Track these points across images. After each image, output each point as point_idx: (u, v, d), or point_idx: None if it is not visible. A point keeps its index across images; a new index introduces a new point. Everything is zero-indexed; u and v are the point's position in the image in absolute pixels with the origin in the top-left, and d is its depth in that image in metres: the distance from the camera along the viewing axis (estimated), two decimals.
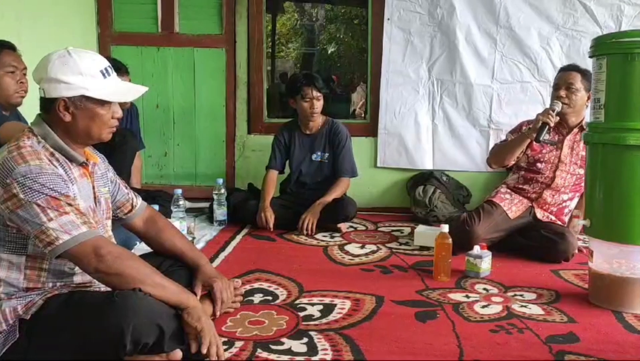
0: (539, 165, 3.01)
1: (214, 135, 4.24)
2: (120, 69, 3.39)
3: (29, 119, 2.75)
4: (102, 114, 1.65)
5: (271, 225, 3.30)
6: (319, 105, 3.43)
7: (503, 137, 3.86)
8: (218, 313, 1.87)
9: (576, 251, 2.85)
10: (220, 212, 3.45)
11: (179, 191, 3.20)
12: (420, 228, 3.21)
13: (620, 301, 2.20)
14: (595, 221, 2.24)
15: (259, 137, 4.19)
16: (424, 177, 3.89)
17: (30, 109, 2.79)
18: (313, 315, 2.10)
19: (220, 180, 3.50)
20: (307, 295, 2.32)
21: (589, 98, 2.84)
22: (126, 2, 4.10)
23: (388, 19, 3.95)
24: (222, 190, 3.47)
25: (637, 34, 2.14)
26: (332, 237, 3.27)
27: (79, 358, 1.56)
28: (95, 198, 1.74)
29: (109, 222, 1.84)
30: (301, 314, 2.11)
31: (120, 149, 3.25)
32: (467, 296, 2.33)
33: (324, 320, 2.05)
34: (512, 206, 2.99)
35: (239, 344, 1.84)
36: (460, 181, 3.94)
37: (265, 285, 2.42)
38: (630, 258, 2.22)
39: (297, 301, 2.24)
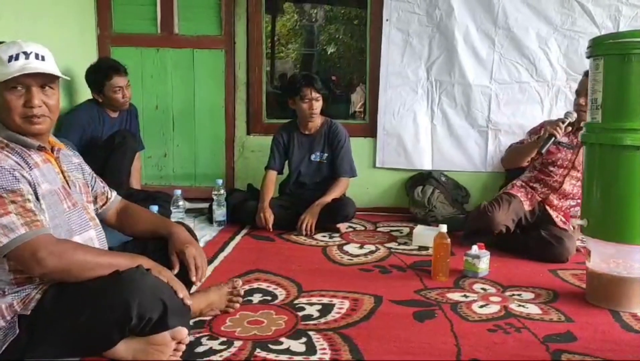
0: (551, 168, 3.03)
1: (213, 136, 4.24)
2: (118, 69, 3.41)
3: None
4: (8, 99, 1.63)
5: (270, 226, 3.31)
6: (317, 105, 3.44)
7: (502, 138, 3.90)
8: (195, 280, 1.87)
9: (574, 253, 2.86)
10: (220, 213, 3.46)
11: (178, 192, 3.22)
12: (419, 229, 3.22)
13: (617, 300, 2.21)
14: (592, 221, 2.25)
15: (258, 137, 4.20)
16: (422, 178, 3.90)
17: None
18: (312, 315, 2.11)
19: (220, 181, 3.51)
20: (306, 295, 2.33)
21: None
22: (125, 3, 4.11)
23: (387, 20, 3.96)
24: (222, 191, 3.48)
25: (633, 34, 2.15)
26: (331, 237, 3.28)
27: (83, 342, 1.59)
28: (66, 181, 1.77)
29: (91, 206, 1.87)
30: (300, 314, 2.12)
31: (119, 150, 3.26)
32: (465, 296, 2.34)
33: (322, 320, 2.07)
34: (527, 200, 3.04)
35: (237, 343, 1.85)
36: (459, 181, 3.95)
37: (264, 285, 2.43)
38: (627, 257, 2.23)
39: (296, 301, 2.25)
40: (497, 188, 3.53)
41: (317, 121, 3.54)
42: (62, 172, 1.77)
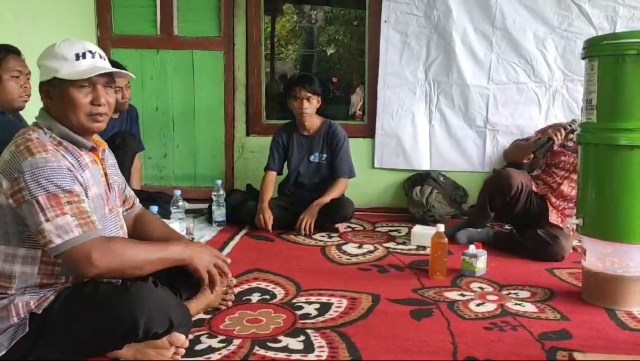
0: (554, 169, 3.08)
1: (213, 137, 4.27)
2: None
3: (29, 122, 2.79)
4: (75, 97, 1.63)
5: (269, 227, 3.33)
6: (308, 105, 3.45)
7: (499, 138, 3.92)
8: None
9: (570, 252, 2.88)
10: (219, 213, 3.48)
11: (178, 192, 3.23)
12: (417, 228, 3.24)
13: (613, 298, 2.23)
14: (588, 220, 2.27)
15: (258, 138, 4.22)
16: (421, 178, 3.92)
17: (31, 113, 2.83)
18: (310, 314, 2.13)
19: (219, 182, 3.54)
20: (304, 293, 2.35)
21: None
22: (125, 5, 4.14)
23: (385, 21, 3.99)
24: (221, 191, 3.50)
25: (627, 35, 2.18)
26: (330, 237, 3.31)
27: (87, 347, 1.62)
28: (108, 184, 1.78)
29: (121, 210, 1.89)
30: (298, 313, 2.14)
31: (120, 151, 3.28)
32: (463, 295, 2.36)
33: (320, 318, 2.09)
34: (533, 182, 3.09)
35: (236, 342, 1.87)
36: (457, 181, 3.97)
37: (263, 285, 2.45)
38: (623, 256, 2.24)
39: (295, 300, 2.27)
40: None
41: (314, 121, 3.56)
42: (105, 175, 1.79)
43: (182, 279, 1.84)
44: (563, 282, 2.56)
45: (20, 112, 2.73)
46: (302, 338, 1.92)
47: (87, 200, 1.61)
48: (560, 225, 2.97)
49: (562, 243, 2.83)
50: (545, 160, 3.11)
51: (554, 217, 3.01)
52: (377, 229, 3.57)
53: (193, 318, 1.96)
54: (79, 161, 1.65)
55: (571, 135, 2.93)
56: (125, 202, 1.96)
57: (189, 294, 1.93)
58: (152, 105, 4.21)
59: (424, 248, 3.01)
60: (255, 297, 2.30)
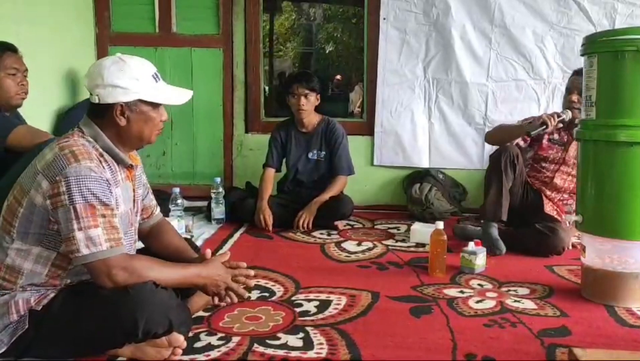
0: (543, 164, 3.09)
1: (211, 135, 4.26)
2: None
3: (27, 120, 2.79)
4: (154, 117, 1.72)
5: (270, 227, 3.33)
6: (306, 102, 3.45)
7: None
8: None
9: (570, 247, 2.89)
10: (218, 211, 3.48)
11: (177, 190, 3.24)
12: (417, 226, 3.24)
13: (612, 295, 2.23)
14: (587, 217, 2.27)
15: (257, 136, 4.21)
16: (420, 175, 3.92)
17: (29, 110, 2.83)
18: (309, 311, 2.13)
19: (218, 179, 3.53)
20: (303, 291, 2.35)
21: None
22: (124, 2, 4.12)
23: (384, 19, 3.98)
24: (220, 189, 3.50)
25: (626, 32, 2.17)
26: (329, 235, 3.30)
27: (86, 346, 1.63)
28: (134, 201, 1.81)
29: (137, 221, 1.90)
30: (298, 310, 2.14)
31: None
32: (462, 292, 2.36)
33: (320, 316, 2.08)
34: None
35: (235, 339, 1.87)
36: (457, 179, 3.97)
37: (262, 282, 2.45)
38: (622, 253, 2.24)
39: (294, 298, 2.27)
40: None
41: (312, 118, 3.56)
42: (134, 191, 1.81)
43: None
44: (562, 279, 2.56)
45: (19, 110, 2.73)
46: (301, 335, 1.92)
47: (117, 216, 1.63)
48: (556, 217, 2.97)
49: (562, 235, 2.83)
50: (533, 153, 3.12)
51: (549, 208, 3.02)
52: (376, 227, 3.56)
53: (193, 316, 1.96)
54: (114, 177, 1.68)
55: (561, 125, 2.95)
56: (144, 211, 1.95)
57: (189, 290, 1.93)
58: None
59: (423, 245, 3.01)
60: (254, 295, 2.30)
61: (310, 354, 1.78)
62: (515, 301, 2.26)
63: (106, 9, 4.11)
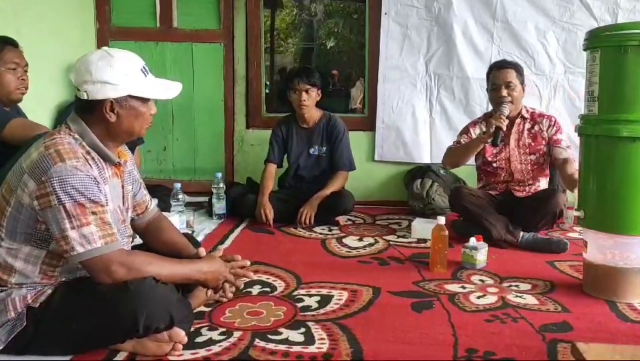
0: (494, 165, 3.15)
1: (212, 130, 4.26)
2: None
3: (28, 115, 2.79)
4: (144, 112, 1.70)
5: (271, 221, 3.33)
6: (307, 97, 3.44)
7: None
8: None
9: (566, 205, 2.96)
10: (219, 206, 3.48)
11: (178, 185, 3.23)
12: (418, 221, 3.24)
13: (613, 291, 2.23)
14: (589, 213, 2.26)
15: (258, 131, 4.21)
16: (421, 171, 3.91)
17: (29, 105, 2.83)
18: (310, 306, 2.13)
19: (219, 174, 3.53)
20: (305, 286, 2.35)
21: (523, 90, 3.05)
22: None
23: (385, 14, 3.97)
24: (221, 184, 3.50)
25: (629, 26, 2.16)
26: (330, 230, 3.30)
27: (86, 342, 1.64)
28: (123, 197, 1.79)
29: (130, 217, 1.89)
30: (299, 305, 2.14)
31: None
32: (463, 287, 2.36)
33: (321, 311, 2.08)
34: (490, 194, 3.15)
35: (237, 334, 1.87)
36: (458, 174, 3.96)
37: (263, 277, 2.45)
38: (624, 248, 2.24)
39: (295, 293, 2.27)
40: None
41: (313, 114, 3.55)
42: (123, 187, 1.80)
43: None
44: (564, 274, 2.56)
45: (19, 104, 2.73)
46: (302, 330, 1.91)
47: (108, 212, 1.63)
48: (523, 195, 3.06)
49: (558, 194, 2.89)
50: (481, 161, 3.21)
51: (520, 194, 3.10)
52: (377, 222, 3.56)
53: (194, 311, 1.96)
54: (102, 174, 1.67)
55: (507, 120, 2.96)
56: (137, 206, 1.94)
57: (190, 286, 1.93)
58: None
59: (425, 241, 3.00)
60: (255, 290, 2.30)
61: (312, 349, 1.78)
62: (516, 296, 2.26)
63: (106, 3, 4.11)
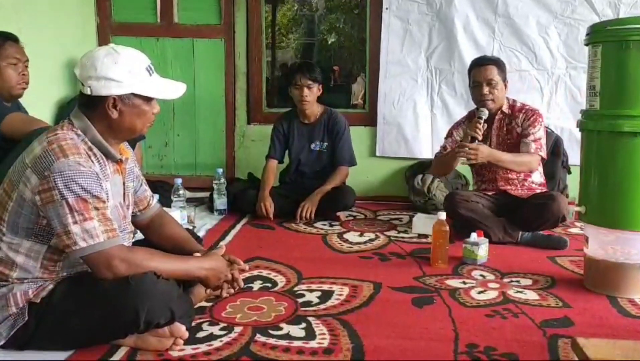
0: (481, 164, 3.08)
1: (213, 126, 4.26)
2: None
3: (29, 110, 2.79)
4: (147, 110, 1.70)
5: (271, 215, 3.33)
6: (309, 92, 3.43)
7: None
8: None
9: (568, 211, 2.89)
10: (220, 202, 3.48)
11: (179, 181, 3.23)
12: (419, 217, 3.24)
13: (615, 286, 2.23)
14: (590, 208, 2.26)
15: (259, 127, 4.21)
16: (422, 166, 3.91)
17: (30, 100, 2.83)
18: (311, 301, 2.13)
19: (220, 170, 3.53)
20: (305, 281, 2.35)
21: (505, 86, 3.03)
22: None
23: (386, 9, 3.96)
24: (222, 180, 3.50)
25: (631, 21, 2.16)
26: (331, 226, 3.30)
27: (88, 338, 1.64)
28: (124, 194, 1.79)
29: (131, 213, 1.89)
30: (300, 300, 2.14)
31: None
32: (464, 283, 2.36)
33: (322, 306, 2.08)
34: (484, 192, 3.13)
35: (238, 329, 1.87)
36: (459, 170, 3.95)
37: (264, 273, 2.45)
38: (625, 244, 2.24)
39: (296, 288, 2.27)
40: None
41: (314, 109, 3.55)
42: (124, 184, 1.80)
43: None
44: (565, 270, 2.56)
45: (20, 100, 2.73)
46: (303, 325, 1.92)
47: (109, 208, 1.63)
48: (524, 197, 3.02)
49: (560, 200, 2.83)
50: (470, 165, 3.18)
51: (524, 196, 3.05)
52: (378, 217, 3.56)
53: (195, 306, 1.97)
54: (103, 170, 1.67)
55: (485, 125, 2.96)
56: (139, 202, 1.94)
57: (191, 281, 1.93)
58: None
59: (426, 236, 3.00)
60: (256, 285, 2.30)
61: (312, 344, 1.78)
62: (517, 292, 2.26)
63: None
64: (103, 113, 1.65)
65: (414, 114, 4.02)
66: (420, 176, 3.78)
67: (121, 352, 1.68)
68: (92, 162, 1.62)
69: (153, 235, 1.98)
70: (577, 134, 2.42)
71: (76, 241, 1.53)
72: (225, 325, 1.91)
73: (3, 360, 1.62)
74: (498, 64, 3.04)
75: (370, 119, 4.11)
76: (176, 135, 4.28)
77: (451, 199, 3.02)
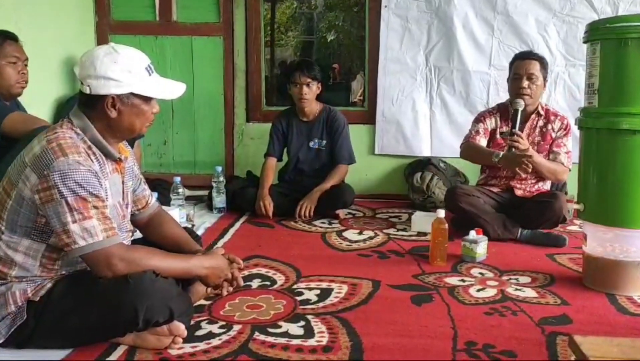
0: None
1: (212, 124, 4.25)
2: None
3: (27, 109, 2.78)
4: (146, 110, 1.70)
5: (270, 213, 3.33)
6: (308, 90, 3.43)
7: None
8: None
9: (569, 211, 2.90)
10: (219, 200, 3.48)
11: (178, 179, 3.24)
12: (418, 215, 3.24)
13: (613, 284, 2.23)
14: (589, 205, 2.26)
15: (258, 125, 4.20)
16: (421, 164, 3.91)
17: (29, 99, 2.82)
18: (310, 299, 2.13)
19: (219, 168, 3.53)
20: (304, 280, 2.35)
21: (545, 84, 3.01)
22: None
23: (385, 6, 3.95)
24: (221, 178, 3.50)
25: (630, 19, 2.15)
26: (330, 224, 3.30)
27: (86, 336, 1.64)
28: (123, 193, 1.79)
29: (130, 212, 1.89)
30: (299, 298, 2.14)
31: None
32: (463, 281, 2.36)
33: (321, 304, 2.09)
34: (490, 191, 3.11)
35: (236, 327, 1.87)
36: (458, 167, 3.96)
37: (263, 271, 2.45)
38: (623, 241, 2.24)
39: (295, 286, 2.27)
40: None
41: (313, 107, 3.55)
42: (123, 183, 1.80)
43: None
44: (563, 267, 2.56)
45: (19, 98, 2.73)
46: (302, 323, 1.92)
47: (107, 207, 1.63)
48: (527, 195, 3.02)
49: (562, 199, 2.83)
50: None
51: (520, 193, 3.05)
52: (377, 215, 3.56)
53: (194, 304, 1.97)
54: (102, 169, 1.67)
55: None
56: (138, 201, 1.94)
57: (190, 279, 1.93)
58: None
59: (425, 234, 3.00)
60: (255, 283, 2.31)
61: (311, 342, 1.78)
62: (516, 289, 2.26)
63: None
64: (102, 112, 1.65)
65: (413, 112, 4.02)
66: (419, 174, 3.78)
67: (120, 350, 1.69)
68: (92, 160, 1.62)
69: (152, 234, 1.98)
70: (576, 132, 2.42)
71: (75, 240, 1.53)
72: (224, 323, 1.91)
73: (2, 358, 1.62)
74: (542, 61, 3.01)
75: (369, 117, 4.11)
76: (175, 133, 4.28)
77: (452, 192, 3.02)
